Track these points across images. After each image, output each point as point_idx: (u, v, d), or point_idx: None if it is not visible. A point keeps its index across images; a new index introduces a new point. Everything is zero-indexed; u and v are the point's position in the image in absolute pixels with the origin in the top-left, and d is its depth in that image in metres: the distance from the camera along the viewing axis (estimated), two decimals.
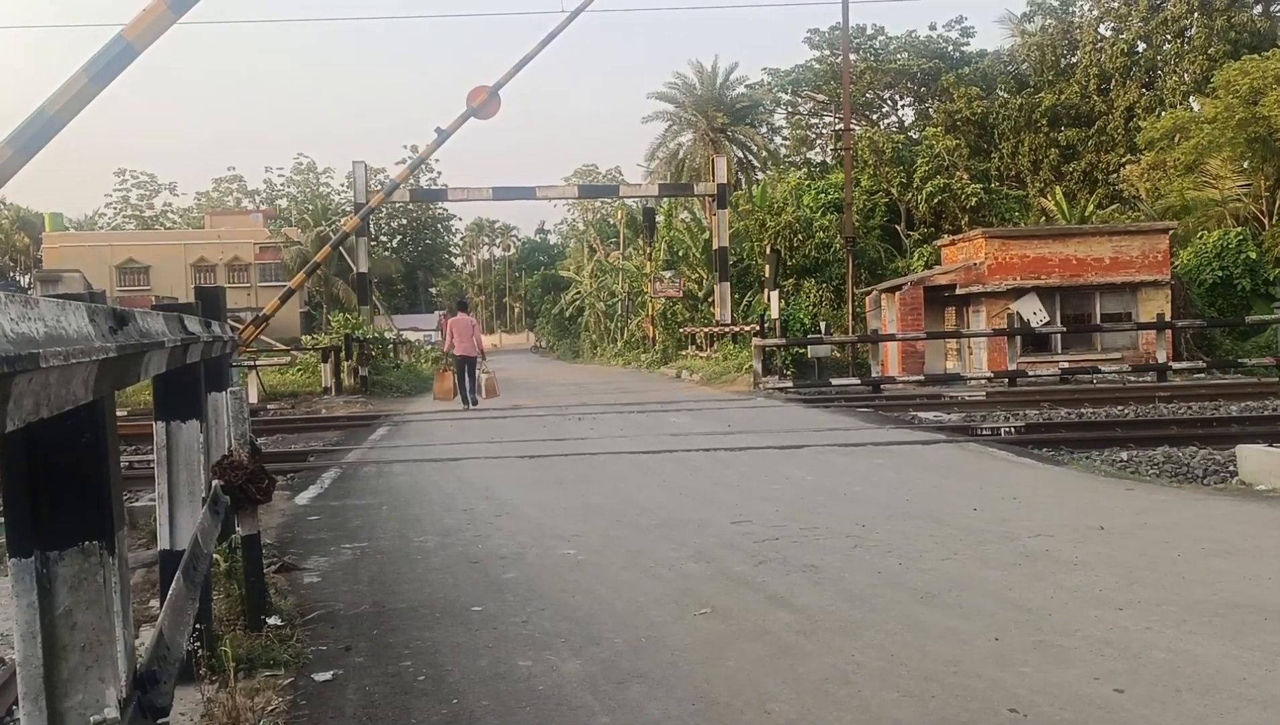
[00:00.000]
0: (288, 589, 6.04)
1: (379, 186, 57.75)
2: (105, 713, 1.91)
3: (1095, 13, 48.17)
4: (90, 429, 1.94)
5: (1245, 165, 34.86)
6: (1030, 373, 22.68)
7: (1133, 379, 22.11)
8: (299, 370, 28.86)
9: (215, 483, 4.90)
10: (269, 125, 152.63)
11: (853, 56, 45.34)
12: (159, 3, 6.62)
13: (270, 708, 4.13)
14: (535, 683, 4.32)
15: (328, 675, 4.52)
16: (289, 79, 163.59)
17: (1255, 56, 34.45)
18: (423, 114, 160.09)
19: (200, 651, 4.14)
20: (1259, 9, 43.75)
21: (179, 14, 10.57)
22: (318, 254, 29.63)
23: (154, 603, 5.24)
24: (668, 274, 39.11)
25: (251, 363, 23.72)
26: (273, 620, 5.14)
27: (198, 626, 4.00)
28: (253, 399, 21.42)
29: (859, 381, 22.82)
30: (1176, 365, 23.00)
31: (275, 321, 50.29)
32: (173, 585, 3.20)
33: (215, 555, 5.16)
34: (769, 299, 27.66)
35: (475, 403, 20.34)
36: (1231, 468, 9.80)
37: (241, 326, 22.69)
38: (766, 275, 29.32)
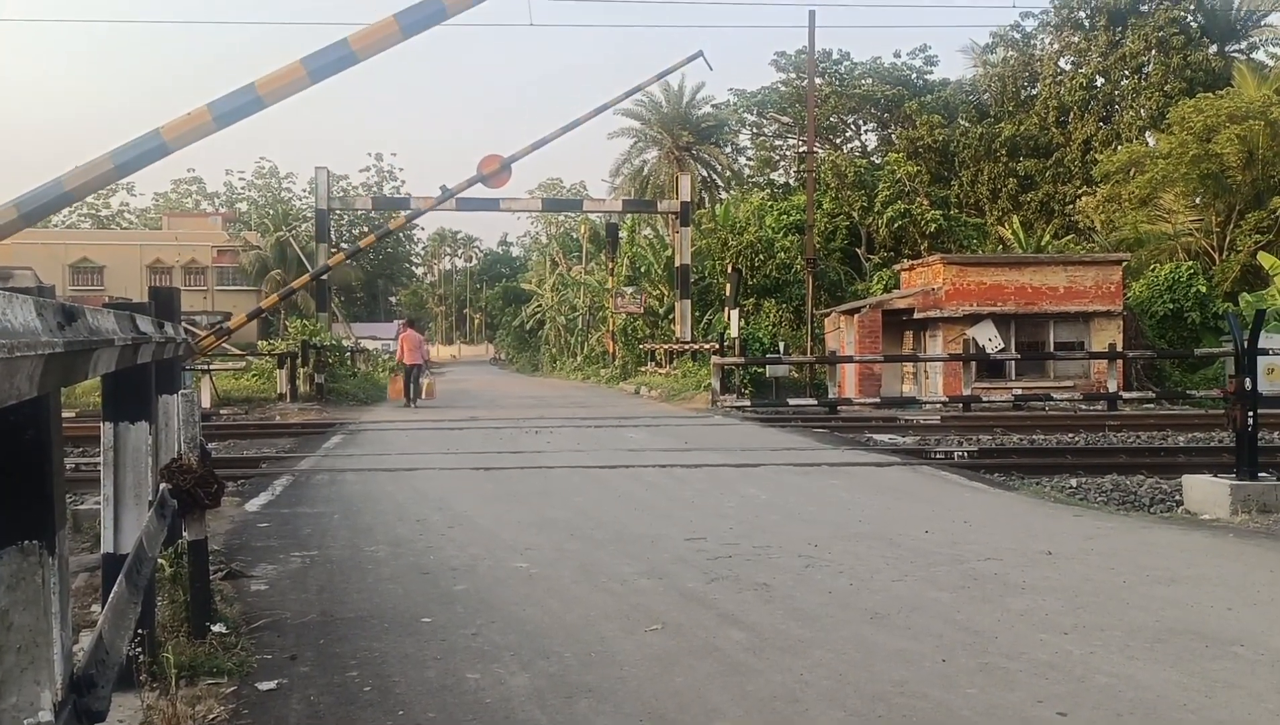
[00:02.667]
0: (234, 596, 5.96)
1: (342, 193, 57.49)
2: (40, 715, 1.87)
3: (1056, 46, 49.03)
4: (34, 425, 1.91)
5: (1197, 201, 35.57)
6: (984, 398, 22.94)
7: (1084, 407, 22.43)
8: (254, 376, 28.51)
9: (163, 486, 4.83)
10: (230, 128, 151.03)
11: (818, 81, 45.78)
12: (203, 111, 6.42)
13: (211, 716, 4.07)
14: (483, 695, 4.29)
15: (272, 684, 4.46)
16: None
17: (1210, 95, 35.20)
18: (388, 121, 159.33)
19: (142, 657, 4.06)
20: (1214, 49, 44.73)
21: (222, 126, 10.37)
22: (295, 281, 29.12)
23: (95, 608, 5.14)
24: (629, 290, 39.16)
25: (205, 367, 23.41)
26: (218, 628, 5.07)
27: (140, 632, 3.92)
28: (205, 403, 21.15)
29: (816, 402, 22.96)
30: (1127, 395, 23.35)
31: (232, 326, 49.53)
32: (114, 589, 3.15)
33: (160, 560, 5.08)
34: (729, 317, 27.76)
35: (416, 403, 24.21)
36: (1177, 497, 9.95)
37: (201, 334, 22.36)
38: (727, 294, 29.45)
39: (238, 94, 10.12)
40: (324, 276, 29.88)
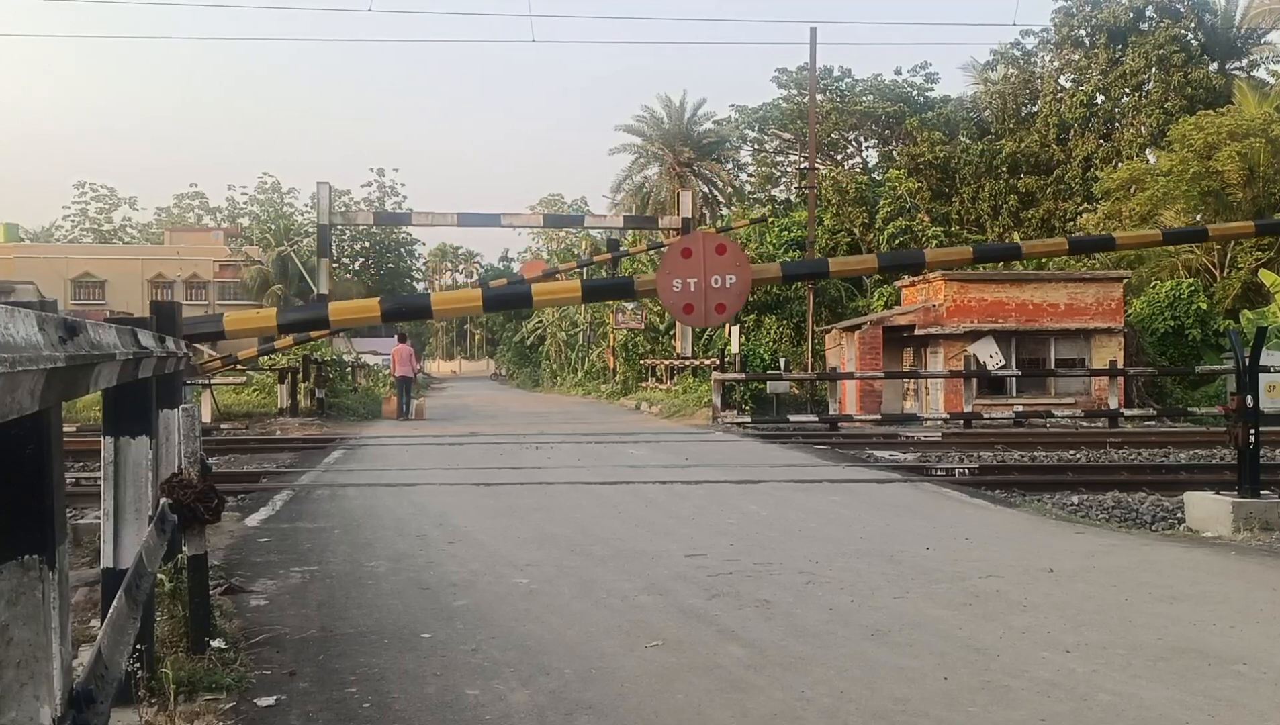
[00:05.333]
0: (233, 611, 5.94)
1: (344, 208, 57.62)
2: None
3: (1056, 64, 49.16)
4: (35, 440, 1.90)
5: (1198, 218, 35.59)
6: (985, 415, 22.91)
7: (1085, 424, 22.40)
8: (254, 390, 28.50)
9: (163, 501, 4.82)
10: (234, 143, 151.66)
11: (819, 97, 45.88)
12: (269, 314, 6.02)
13: None
14: (482, 712, 4.28)
15: (270, 700, 4.45)
16: (256, 98, 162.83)
17: (1210, 112, 35.29)
18: (389, 136, 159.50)
19: (140, 673, 4.06)
20: (1215, 66, 44.86)
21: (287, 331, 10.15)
22: (316, 333, 29.11)
23: (95, 622, 5.13)
24: (630, 306, 39.19)
25: (206, 382, 23.39)
26: (217, 643, 5.05)
27: (139, 647, 3.92)
28: (206, 418, 21.15)
29: (817, 418, 22.94)
30: (1128, 412, 23.33)
31: (232, 340, 49.46)
32: (114, 604, 3.14)
33: (160, 575, 5.07)
34: (729, 334, 27.76)
35: (408, 416, 25.71)
36: (1179, 514, 9.93)
37: (208, 355, 22.29)
38: None
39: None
40: (326, 295, 29.89)
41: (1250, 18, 45.24)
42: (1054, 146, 46.61)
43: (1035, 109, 48.58)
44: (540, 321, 58.86)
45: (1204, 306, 28.76)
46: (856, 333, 27.23)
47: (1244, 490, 9.04)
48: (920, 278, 29.64)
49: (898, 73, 54.60)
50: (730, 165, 59.57)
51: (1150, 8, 44.99)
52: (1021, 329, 25.78)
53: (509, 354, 69.87)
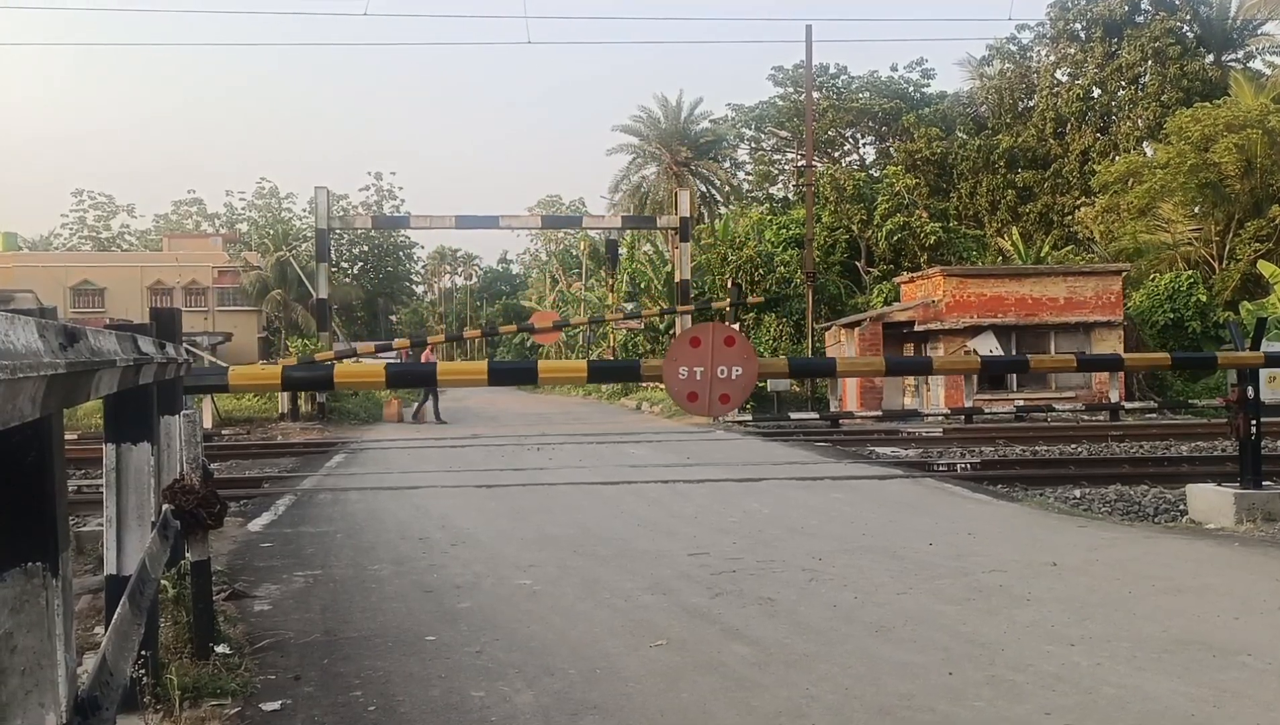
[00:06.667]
0: (237, 617, 5.94)
1: (342, 212, 57.67)
2: None
3: (1052, 58, 49.15)
4: (36, 447, 1.90)
5: (1196, 210, 35.61)
6: (986, 410, 22.91)
7: (1086, 418, 22.42)
8: (255, 395, 28.49)
9: (165, 507, 4.82)
10: (231, 149, 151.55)
11: (816, 95, 45.89)
12: None
13: None
14: (488, 714, 4.27)
15: (276, 705, 4.44)
16: (254, 103, 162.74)
17: (1207, 104, 35.29)
18: (387, 139, 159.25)
19: (145, 679, 4.05)
20: (1211, 58, 44.86)
21: None
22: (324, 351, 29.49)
23: (99, 629, 5.13)
24: (630, 305, 39.20)
25: None
26: (221, 648, 5.05)
27: (143, 653, 3.92)
28: (207, 424, 21.15)
29: (817, 416, 22.94)
30: (1129, 405, 23.35)
31: (233, 346, 49.44)
32: (118, 610, 3.14)
33: (164, 581, 5.06)
34: None
35: (410, 419, 26.17)
36: (1182, 506, 9.93)
37: (208, 361, 22.34)
38: (727, 309, 29.47)
39: None
40: (325, 299, 29.88)
41: (1245, 9, 45.25)
42: (1051, 141, 46.62)
43: (1032, 103, 48.58)
44: None
45: (1203, 298, 28.78)
46: (856, 330, 27.25)
47: (1246, 481, 9.04)
48: (919, 274, 29.65)
49: (894, 69, 54.65)
50: (728, 164, 59.61)
51: (1145, 0, 45.00)
52: (1021, 323, 25.80)
53: (509, 356, 69.89)
